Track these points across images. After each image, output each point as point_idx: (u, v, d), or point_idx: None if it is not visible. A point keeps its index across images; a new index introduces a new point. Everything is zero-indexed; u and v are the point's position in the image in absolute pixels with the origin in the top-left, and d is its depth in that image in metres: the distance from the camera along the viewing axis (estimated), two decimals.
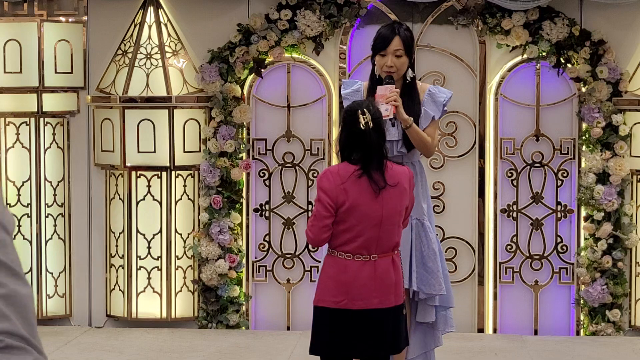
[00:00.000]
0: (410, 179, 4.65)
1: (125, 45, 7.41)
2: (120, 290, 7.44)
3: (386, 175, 4.53)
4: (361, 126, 4.49)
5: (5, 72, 7.40)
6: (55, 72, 7.43)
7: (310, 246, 7.19)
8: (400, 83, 5.27)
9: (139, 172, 7.34)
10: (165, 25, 7.38)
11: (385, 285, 4.59)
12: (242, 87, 7.36)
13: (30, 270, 7.42)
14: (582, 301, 7.19)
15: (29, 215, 7.43)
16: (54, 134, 7.49)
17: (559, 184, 7.27)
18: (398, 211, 4.59)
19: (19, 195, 7.44)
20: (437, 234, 5.44)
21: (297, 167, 7.39)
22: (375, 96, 5.13)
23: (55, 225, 7.50)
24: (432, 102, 5.34)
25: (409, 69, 5.29)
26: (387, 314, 4.60)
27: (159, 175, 7.33)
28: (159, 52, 7.33)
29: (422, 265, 5.29)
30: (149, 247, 7.36)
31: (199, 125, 7.35)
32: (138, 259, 7.36)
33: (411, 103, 5.25)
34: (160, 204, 7.34)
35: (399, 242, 4.66)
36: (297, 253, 7.40)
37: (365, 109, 4.52)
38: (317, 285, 4.70)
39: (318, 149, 7.33)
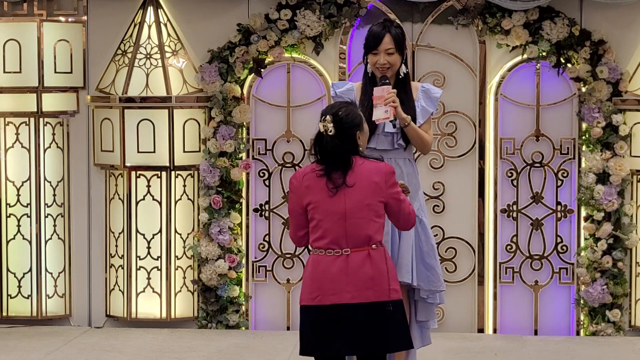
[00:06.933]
0: (385, 174, 4.63)
1: (124, 45, 7.40)
2: (120, 290, 7.43)
3: (350, 174, 4.59)
4: (322, 132, 4.61)
5: (4, 72, 7.40)
6: (55, 72, 7.42)
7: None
8: (393, 79, 5.30)
9: (138, 172, 7.33)
10: (165, 25, 7.38)
11: (359, 280, 4.58)
12: (242, 87, 7.35)
13: (30, 270, 7.42)
14: (582, 301, 7.19)
15: (29, 215, 7.43)
16: (53, 134, 7.48)
17: (559, 184, 7.26)
18: (365, 204, 4.59)
19: (18, 195, 7.44)
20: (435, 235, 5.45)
21: (297, 167, 7.38)
22: (372, 98, 5.16)
23: (54, 226, 7.49)
24: (428, 97, 5.40)
25: (403, 65, 5.32)
26: (362, 308, 4.57)
27: (159, 175, 7.33)
28: (158, 52, 7.33)
29: (422, 262, 5.29)
30: (148, 247, 7.36)
31: (199, 125, 7.35)
32: (138, 259, 7.36)
33: (406, 98, 5.29)
34: (160, 204, 7.33)
35: (373, 236, 4.63)
36: (296, 253, 7.40)
37: (329, 115, 4.60)
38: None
39: None
